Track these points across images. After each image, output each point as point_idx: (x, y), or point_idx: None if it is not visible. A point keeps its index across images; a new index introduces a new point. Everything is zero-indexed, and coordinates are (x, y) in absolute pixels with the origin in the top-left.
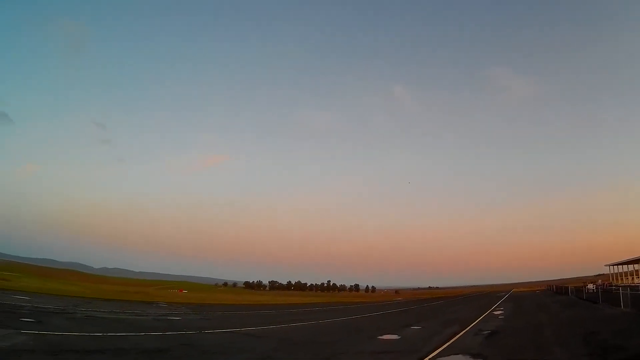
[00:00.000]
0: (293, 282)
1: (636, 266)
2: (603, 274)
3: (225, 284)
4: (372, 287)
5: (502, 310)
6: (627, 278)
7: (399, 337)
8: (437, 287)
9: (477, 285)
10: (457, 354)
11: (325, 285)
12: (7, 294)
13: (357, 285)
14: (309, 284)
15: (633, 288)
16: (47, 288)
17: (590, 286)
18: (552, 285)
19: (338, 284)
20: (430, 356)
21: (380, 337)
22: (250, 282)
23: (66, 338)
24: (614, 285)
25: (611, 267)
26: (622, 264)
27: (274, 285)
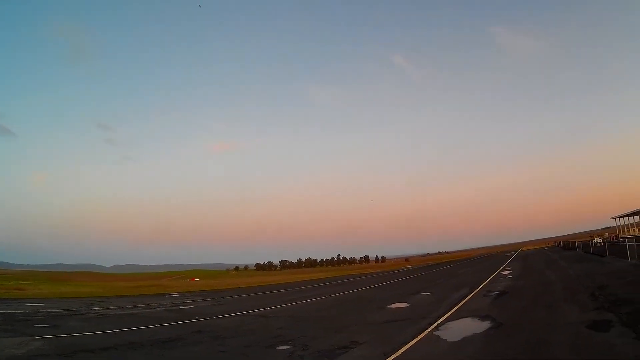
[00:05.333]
0: (303, 260)
1: None
2: (610, 227)
3: (237, 268)
4: (382, 257)
5: (510, 269)
6: (634, 229)
7: (408, 305)
8: (446, 252)
9: (485, 247)
10: (466, 317)
11: (336, 259)
12: (21, 302)
13: (367, 257)
14: (319, 260)
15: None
16: (60, 292)
17: (597, 240)
18: (560, 242)
19: (348, 257)
20: (439, 321)
21: (389, 306)
22: (261, 263)
23: (80, 339)
24: (621, 238)
25: (617, 219)
26: (628, 215)
27: (285, 265)
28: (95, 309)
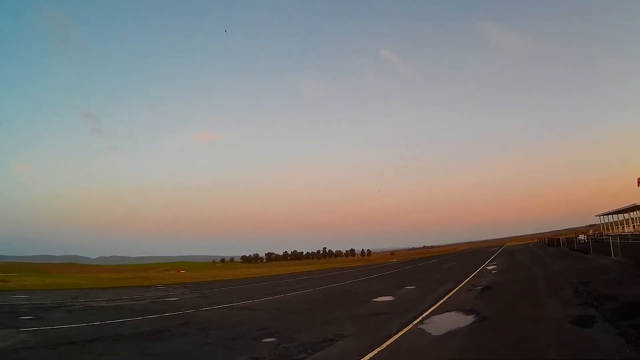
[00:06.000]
0: (289, 253)
1: (625, 215)
2: (594, 225)
3: (223, 260)
4: (368, 250)
5: (495, 264)
6: (617, 227)
7: (394, 299)
8: (432, 246)
9: (471, 242)
10: (451, 311)
11: (321, 252)
12: (6, 294)
13: (352, 250)
14: (305, 253)
15: (623, 237)
16: (45, 284)
17: (582, 237)
18: (544, 238)
19: (334, 250)
20: (424, 315)
21: (374, 299)
22: (247, 255)
23: (65, 331)
24: (605, 235)
25: (601, 217)
26: (612, 213)
27: (271, 257)
28: (80, 301)
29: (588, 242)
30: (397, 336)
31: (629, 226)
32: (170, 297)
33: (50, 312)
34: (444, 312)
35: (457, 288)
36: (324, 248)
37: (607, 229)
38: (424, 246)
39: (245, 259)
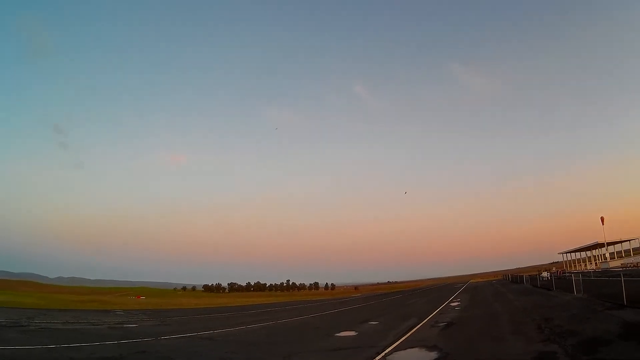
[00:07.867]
0: (252, 283)
1: (588, 253)
2: (557, 262)
3: (184, 288)
4: (332, 284)
5: (458, 301)
6: (580, 265)
7: (356, 334)
8: (396, 282)
9: (435, 278)
10: (414, 347)
11: (285, 284)
12: None
13: (316, 283)
14: (268, 284)
15: (585, 274)
16: (0, 301)
17: (545, 274)
18: (508, 275)
19: (297, 283)
20: (387, 351)
21: (337, 334)
22: (210, 285)
23: (18, 352)
24: (568, 272)
25: (564, 254)
26: (575, 251)
27: (234, 287)
28: (36, 322)
29: (551, 279)
30: None
31: (591, 263)
32: (129, 324)
33: (3, 332)
34: (407, 348)
35: (421, 324)
36: (288, 280)
37: (570, 266)
38: (388, 281)
39: (207, 288)
